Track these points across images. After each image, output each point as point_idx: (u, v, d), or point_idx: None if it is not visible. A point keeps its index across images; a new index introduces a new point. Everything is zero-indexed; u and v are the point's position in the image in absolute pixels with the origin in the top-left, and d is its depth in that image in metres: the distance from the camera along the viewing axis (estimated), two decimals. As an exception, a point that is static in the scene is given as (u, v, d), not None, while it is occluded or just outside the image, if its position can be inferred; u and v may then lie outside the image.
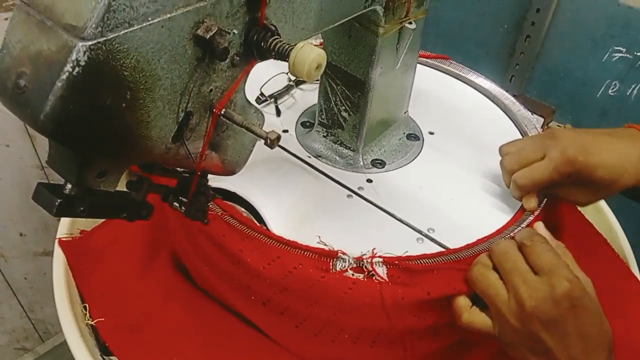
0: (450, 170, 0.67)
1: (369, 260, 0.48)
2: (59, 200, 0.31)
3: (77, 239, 0.66)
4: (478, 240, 0.53)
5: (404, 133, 0.73)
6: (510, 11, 1.02)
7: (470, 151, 0.70)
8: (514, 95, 0.99)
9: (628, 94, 0.90)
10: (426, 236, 0.56)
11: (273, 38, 0.36)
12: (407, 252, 0.51)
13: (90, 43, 0.27)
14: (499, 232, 0.56)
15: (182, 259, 0.63)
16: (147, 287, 0.61)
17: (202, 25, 0.32)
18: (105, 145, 0.31)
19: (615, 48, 0.89)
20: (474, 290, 0.47)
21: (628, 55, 0.88)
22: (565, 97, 1.00)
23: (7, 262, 1.10)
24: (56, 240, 0.65)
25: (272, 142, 0.35)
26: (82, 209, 0.33)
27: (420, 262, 0.49)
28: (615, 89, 0.92)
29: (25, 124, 0.95)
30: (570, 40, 0.95)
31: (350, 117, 0.65)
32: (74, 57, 0.27)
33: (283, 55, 0.36)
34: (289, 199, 0.59)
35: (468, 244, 0.53)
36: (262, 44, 0.37)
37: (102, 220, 0.67)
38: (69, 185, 0.32)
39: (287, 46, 0.36)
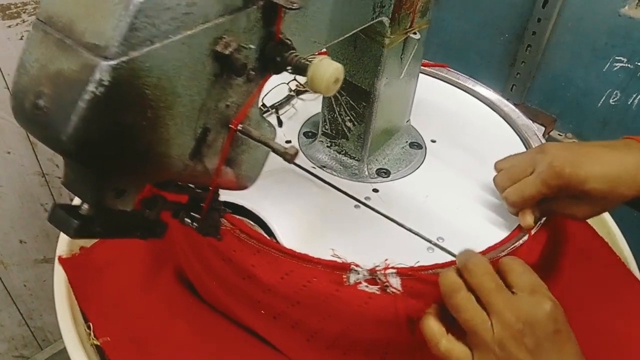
0: (455, 177, 0.67)
1: (383, 272, 0.48)
2: (77, 222, 0.31)
3: (78, 255, 0.64)
4: (488, 247, 0.53)
5: (407, 142, 0.74)
6: (512, 21, 1.02)
7: (473, 158, 0.71)
8: (515, 104, 0.99)
9: (629, 103, 0.91)
10: (436, 245, 0.56)
11: (290, 52, 0.36)
12: (418, 262, 0.51)
13: (113, 62, 0.26)
14: (508, 239, 0.56)
15: (187, 273, 0.63)
16: (151, 303, 0.60)
17: (221, 41, 0.32)
18: (125, 164, 0.31)
19: (616, 58, 0.90)
20: (456, 317, 0.43)
21: (629, 65, 0.89)
22: (567, 107, 1.00)
23: (6, 269, 1.10)
24: (56, 258, 0.63)
25: (292, 157, 0.35)
26: (98, 229, 0.32)
27: (434, 272, 0.49)
28: (616, 99, 0.92)
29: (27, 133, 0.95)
30: (571, 49, 0.96)
31: (355, 127, 0.65)
32: (97, 76, 0.26)
33: (300, 70, 0.36)
34: (297, 211, 0.59)
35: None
36: (278, 58, 0.37)
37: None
38: (85, 206, 0.32)
39: (304, 60, 0.36)
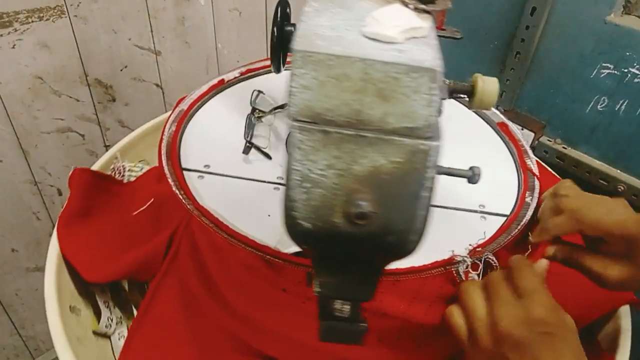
0: (445, 150, 0.72)
1: (481, 254, 0.50)
2: (364, 325, 0.30)
3: None
4: (522, 196, 0.58)
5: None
6: (501, 28, 1.03)
7: (447, 125, 0.76)
8: (504, 111, 1.00)
9: (616, 109, 0.92)
10: (485, 212, 0.59)
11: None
12: (485, 232, 0.53)
13: (437, 141, 0.24)
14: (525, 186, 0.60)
15: (249, 339, 0.54)
16: None
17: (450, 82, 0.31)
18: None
19: (603, 65, 0.91)
20: (458, 300, 0.45)
21: (616, 72, 0.90)
22: (555, 113, 1.01)
23: (-2, 278, 1.09)
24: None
25: (478, 177, 0.35)
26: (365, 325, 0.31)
27: (511, 235, 0.52)
28: (604, 105, 0.93)
29: (19, 140, 0.95)
30: (559, 56, 0.97)
31: None
32: (433, 159, 0.24)
33: (466, 92, 0.36)
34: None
35: (520, 205, 0.57)
36: None
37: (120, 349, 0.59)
38: (348, 307, 0.30)
39: (464, 83, 0.36)
